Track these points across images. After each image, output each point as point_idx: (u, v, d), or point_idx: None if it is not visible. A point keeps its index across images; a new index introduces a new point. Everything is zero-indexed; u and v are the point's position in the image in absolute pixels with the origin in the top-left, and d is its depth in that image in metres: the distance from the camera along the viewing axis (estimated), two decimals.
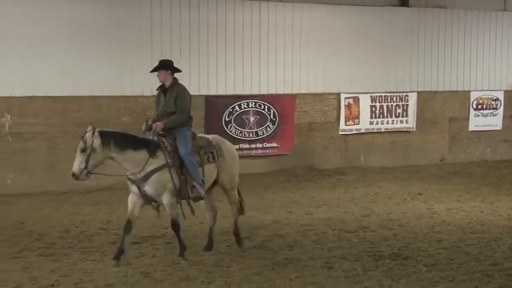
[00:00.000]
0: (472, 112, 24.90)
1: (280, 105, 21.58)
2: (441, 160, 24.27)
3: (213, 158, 12.48)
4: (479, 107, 24.96)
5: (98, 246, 12.73)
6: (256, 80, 21.23)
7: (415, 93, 23.76)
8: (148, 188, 11.68)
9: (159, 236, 13.61)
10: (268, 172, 21.20)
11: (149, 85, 19.37)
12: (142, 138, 11.92)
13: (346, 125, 22.72)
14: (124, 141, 11.57)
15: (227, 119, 20.81)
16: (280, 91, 21.61)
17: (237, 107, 20.94)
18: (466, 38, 24.45)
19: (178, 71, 12.52)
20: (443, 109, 24.37)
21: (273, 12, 21.31)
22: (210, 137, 12.93)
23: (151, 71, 12.55)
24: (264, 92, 21.37)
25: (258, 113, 21.26)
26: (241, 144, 20.95)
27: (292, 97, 21.78)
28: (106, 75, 18.99)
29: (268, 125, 21.44)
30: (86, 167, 11.25)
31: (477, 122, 25.02)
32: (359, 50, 22.62)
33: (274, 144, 21.61)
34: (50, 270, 11.19)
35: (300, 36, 21.72)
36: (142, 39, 19.43)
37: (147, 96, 19.31)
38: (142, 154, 11.58)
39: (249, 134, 21.18)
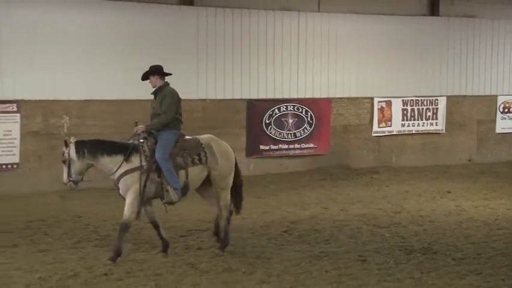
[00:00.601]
0: (499, 115, 24.73)
1: (317, 109, 21.59)
2: (469, 160, 24.11)
3: (199, 159, 11.95)
4: (506, 110, 24.75)
5: (147, 239, 12.85)
6: (294, 85, 21.28)
7: (445, 98, 23.65)
8: (119, 189, 11.66)
9: (204, 229, 13.72)
10: (306, 171, 21.21)
11: (195, 89, 19.74)
12: (119, 143, 11.82)
13: (379, 127, 22.68)
14: (98, 148, 11.56)
15: (267, 121, 20.87)
16: (317, 95, 21.62)
17: (276, 110, 20.99)
18: (493, 45, 24.30)
19: (168, 74, 12.37)
20: (471, 112, 24.22)
21: (311, 22, 21.33)
22: (202, 137, 12.38)
23: (142, 79, 12.49)
24: (301, 96, 21.40)
25: (296, 115, 21.29)
26: (280, 145, 21.09)
27: (328, 101, 21.78)
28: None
29: (305, 127, 21.46)
30: (69, 176, 11.43)
31: (503, 124, 24.82)
32: (391, 57, 22.58)
33: (311, 145, 21.63)
34: (104, 260, 11.33)
35: (336, 43, 21.73)
36: (189, 47, 19.60)
37: (192, 100, 19.44)
38: (117, 158, 11.47)
39: (287, 136, 21.21)
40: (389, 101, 22.80)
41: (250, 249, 12.29)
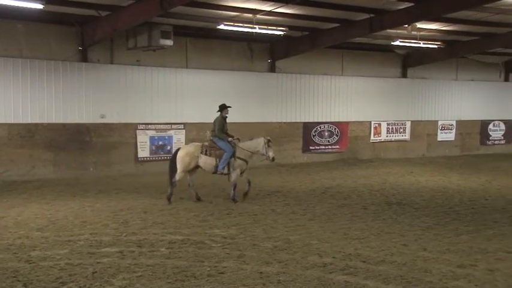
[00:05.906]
0: (439, 131, 24.23)
1: (341, 127, 21.57)
2: (423, 155, 23.73)
3: None
4: (443, 128, 24.26)
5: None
6: (328, 114, 21.17)
7: (410, 122, 23.34)
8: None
9: (279, 191, 13.75)
10: (334, 160, 21.08)
11: (275, 117, 19.78)
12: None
13: (374, 137, 22.55)
14: None
15: (314, 134, 20.94)
16: (341, 120, 21.58)
17: (318, 127, 21.04)
18: (429, 94, 23.72)
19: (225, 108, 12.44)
20: (424, 129, 23.80)
21: (337, 81, 21.25)
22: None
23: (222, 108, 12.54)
24: (333, 120, 21.34)
25: (329, 131, 21.32)
26: (321, 146, 21.10)
27: (347, 123, 21.75)
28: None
29: (334, 137, 21.46)
30: None
31: (441, 136, 24.31)
32: (380, 100, 22.38)
33: (338, 147, 21.60)
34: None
35: (351, 93, 21.60)
36: (272, 96, 19.66)
37: (273, 122, 19.68)
38: None
39: (325, 141, 21.25)
40: (380, 123, 22.62)
41: (304, 202, 12.15)
